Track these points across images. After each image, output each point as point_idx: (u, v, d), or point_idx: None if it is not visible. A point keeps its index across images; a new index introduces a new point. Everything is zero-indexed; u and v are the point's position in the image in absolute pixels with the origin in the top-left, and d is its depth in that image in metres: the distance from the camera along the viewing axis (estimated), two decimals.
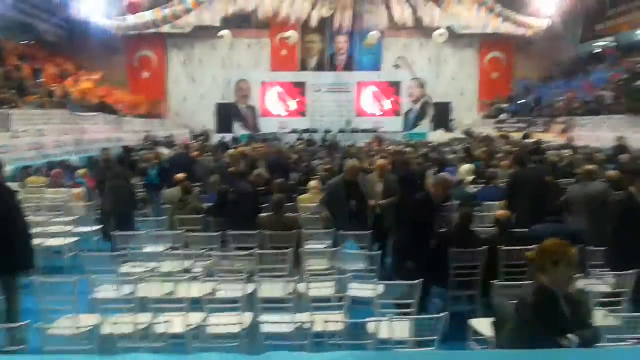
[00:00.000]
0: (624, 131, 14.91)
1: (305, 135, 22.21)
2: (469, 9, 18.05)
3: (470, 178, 8.28)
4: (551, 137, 17.68)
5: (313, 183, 7.73)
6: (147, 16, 16.77)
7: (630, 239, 4.10)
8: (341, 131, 24.11)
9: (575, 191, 5.88)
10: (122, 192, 7.30)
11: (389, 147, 13.83)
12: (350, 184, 5.99)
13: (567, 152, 10.86)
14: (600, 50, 24.99)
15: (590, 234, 5.31)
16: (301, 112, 26.92)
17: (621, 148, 11.55)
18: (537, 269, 2.77)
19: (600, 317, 3.44)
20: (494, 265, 4.85)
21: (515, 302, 3.75)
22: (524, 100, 23.96)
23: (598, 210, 5.50)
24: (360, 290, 4.71)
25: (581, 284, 4.38)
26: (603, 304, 4.24)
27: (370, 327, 3.72)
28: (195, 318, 4.19)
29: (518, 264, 4.85)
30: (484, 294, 4.76)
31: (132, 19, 17.15)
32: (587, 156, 10.13)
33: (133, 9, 14.95)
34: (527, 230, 5.25)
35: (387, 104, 27.35)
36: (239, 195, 6.18)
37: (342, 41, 26.57)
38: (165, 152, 12.72)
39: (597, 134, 16.27)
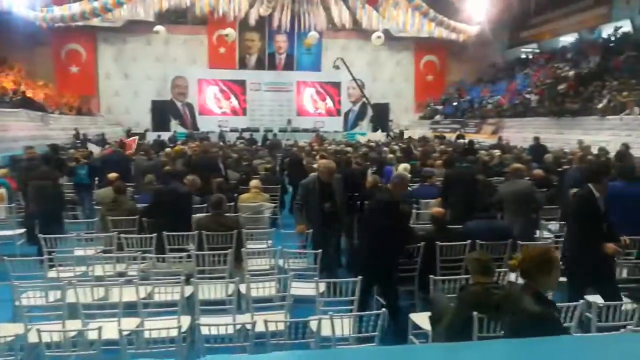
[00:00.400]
0: (547, 132, 15.95)
1: (246, 134, 21.96)
2: (405, 13, 18.53)
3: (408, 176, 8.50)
4: (482, 138, 18.55)
5: (254, 182, 7.63)
6: (74, 8, 15.85)
7: (587, 231, 4.32)
8: (282, 130, 24.04)
9: (504, 188, 6.17)
10: (48, 192, 6.85)
11: (330, 147, 13.96)
12: (324, 185, 5.76)
13: (497, 152, 11.41)
14: (525, 55, 26.59)
15: (517, 228, 5.59)
16: (241, 111, 26.59)
17: (540, 147, 12.35)
18: (523, 275, 2.84)
19: None
20: (431, 260, 4.99)
21: (453, 296, 3.89)
22: (456, 102, 25.00)
23: (525, 206, 5.81)
24: (302, 289, 4.70)
25: (512, 276, 4.62)
26: None
27: (313, 325, 3.71)
28: (130, 323, 4.01)
29: (454, 258, 5.03)
30: (422, 289, 4.89)
31: (58, 11, 16.14)
32: (515, 155, 10.70)
33: (59, 0, 14.07)
34: (460, 226, 5.45)
35: (327, 104, 27.60)
36: (175, 195, 5.96)
37: (281, 40, 26.51)
38: (95, 150, 12.13)
39: (523, 134, 17.23)
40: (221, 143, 16.57)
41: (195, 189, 6.58)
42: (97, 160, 10.41)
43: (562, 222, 6.10)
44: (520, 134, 17.51)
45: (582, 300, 3.71)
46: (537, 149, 12.08)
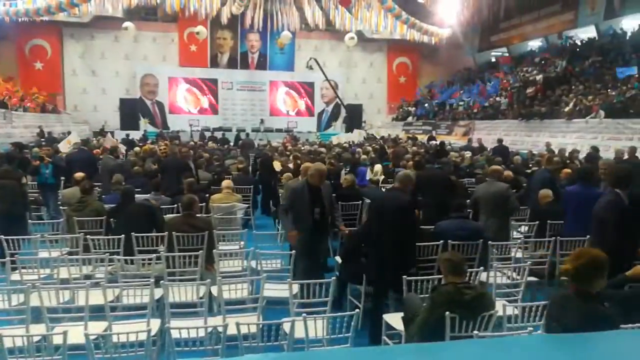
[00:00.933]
0: (516, 134, 16.32)
1: (218, 134, 21.71)
2: (377, 14, 18.66)
3: (382, 177, 8.56)
4: (454, 139, 18.84)
5: (226, 182, 7.53)
6: (39, 2, 15.36)
7: (621, 235, 4.24)
8: (255, 130, 23.89)
9: (482, 189, 6.22)
10: (11, 192, 6.60)
11: (303, 147, 13.93)
12: (313, 190, 5.41)
13: (467, 154, 11.60)
14: (495, 59, 27.15)
15: (492, 229, 5.66)
16: (212, 110, 26.29)
17: (503, 149, 12.67)
18: (576, 278, 2.77)
19: (501, 307, 3.67)
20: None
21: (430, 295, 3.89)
22: (428, 104, 25.34)
23: (501, 208, 5.86)
24: (275, 290, 4.65)
25: (483, 276, 4.68)
26: (504, 295, 4.55)
27: (286, 327, 3.67)
28: (97, 327, 3.88)
29: (426, 259, 5.05)
30: (395, 289, 4.89)
31: (22, 4, 15.62)
32: (486, 157, 10.89)
33: None
34: (432, 226, 5.48)
35: (301, 104, 27.57)
36: (143, 211, 5.78)
37: (253, 39, 26.34)
38: (62, 148, 11.79)
39: (493, 136, 17.57)
40: (192, 142, 16.34)
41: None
42: (61, 159, 10.10)
43: (531, 223, 6.21)
44: (490, 136, 17.85)
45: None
46: (501, 150, 12.38)
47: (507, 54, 26.69)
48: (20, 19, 17.41)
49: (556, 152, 11.06)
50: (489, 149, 13.92)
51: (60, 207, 7.20)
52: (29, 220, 6.51)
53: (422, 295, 4.14)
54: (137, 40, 24.76)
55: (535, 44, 24.44)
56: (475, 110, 20.91)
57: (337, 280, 4.40)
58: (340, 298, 5.17)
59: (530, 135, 16.01)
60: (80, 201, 6.12)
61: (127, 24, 19.22)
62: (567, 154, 10.99)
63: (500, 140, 13.50)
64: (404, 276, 4.27)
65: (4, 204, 6.47)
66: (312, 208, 5.32)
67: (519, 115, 17.29)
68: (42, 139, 15.95)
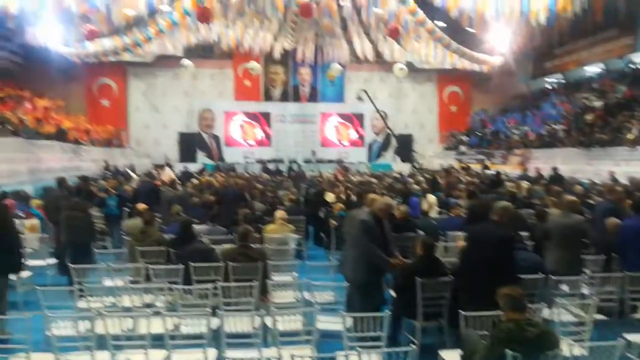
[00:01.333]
0: (576, 163, 15.67)
1: (271, 165, 22.19)
2: (427, 45, 18.71)
3: (436, 208, 8.42)
4: (509, 169, 18.31)
5: (279, 213, 7.65)
6: (106, 44, 16.50)
7: None
8: (306, 161, 24.24)
9: (556, 220, 5.86)
10: (79, 223, 7.01)
11: (354, 178, 13.97)
12: (379, 225, 5.18)
13: (524, 183, 11.24)
14: (550, 86, 26.42)
15: (563, 263, 5.37)
16: (266, 142, 26.96)
17: (558, 178, 12.20)
18: None
19: (566, 346, 3.49)
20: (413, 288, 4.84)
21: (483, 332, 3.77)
22: (481, 133, 24.86)
23: (574, 241, 5.55)
24: (328, 323, 4.64)
25: (545, 313, 4.47)
26: (568, 333, 4.32)
27: None
28: (157, 355, 4.01)
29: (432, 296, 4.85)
30: (452, 325, 4.75)
31: (91, 46, 16.82)
32: (545, 187, 10.51)
33: (92, 36, 14.68)
34: None
35: (351, 135, 27.79)
36: (198, 252, 5.93)
37: (305, 73, 27.00)
38: (135, 178, 12.40)
39: (551, 165, 16.97)
40: (246, 174, 16.78)
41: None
42: (126, 191, 10.64)
43: (597, 257, 5.89)
44: (548, 164, 17.23)
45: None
46: (556, 180, 11.91)
47: (562, 80, 25.93)
48: (89, 60, 18.75)
49: (620, 180, 10.52)
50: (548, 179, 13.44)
51: (124, 237, 7.54)
52: (95, 250, 6.85)
53: (480, 332, 4.01)
54: (196, 77, 26.00)
55: (592, 69, 23.63)
56: (531, 139, 20.30)
57: (391, 314, 4.33)
58: (395, 333, 5.07)
59: (591, 164, 15.30)
60: (142, 231, 6.40)
61: (186, 62, 20.26)
62: (630, 183, 10.42)
63: (554, 169, 13.02)
64: (460, 311, 4.15)
65: (72, 235, 6.86)
66: (379, 241, 5.10)
67: (578, 143, 16.63)
68: (108, 172, 16.84)
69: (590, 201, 8.92)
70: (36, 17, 13.22)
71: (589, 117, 17.65)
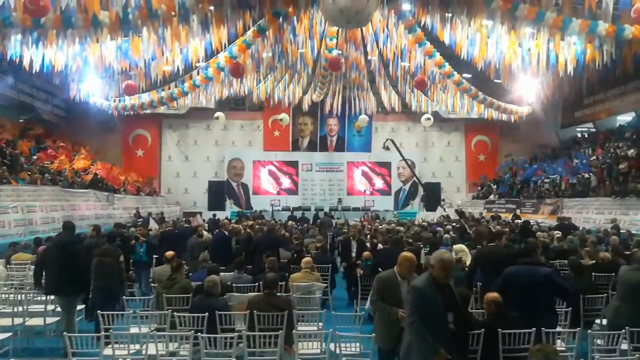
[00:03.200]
0: (610, 212, 15.19)
1: (297, 213, 22.27)
2: (453, 95, 18.88)
3: (468, 257, 8.21)
4: (541, 218, 17.88)
5: (306, 260, 7.62)
6: (143, 97, 17.28)
7: None
8: (332, 209, 24.26)
9: (626, 274, 5.49)
10: (110, 269, 7.10)
11: (381, 226, 13.86)
12: (442, 289, 4.05)
13: (557, 233, 10.93)
14: (581, 135, 26.09)
15: (626, 315, 5.10)
16: (293, 190, 27.22)
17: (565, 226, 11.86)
18: None
19: None
20: (492, 349, 4.68)
21: None
22: (511, 182, 24.50)
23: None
24: None
25: None
26: None
27: None
28: None
29: (516, 348, 4.69)
30: None
31: (128, 100, 17.65)
32: (579, 237, 10.20)
33: (130, 91, 15.46)
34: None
35: (378, 184, 27.83)
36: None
37: (332, 123, 27.50)
38: (155, 226, 12.61)
39: (584, 215, 16.52)
40: (272, 221, 16.85)
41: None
42: (154, 237, 10.81)
43: None
44: (581, 214, 16.77)
45: None
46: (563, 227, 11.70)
47: (593, 130, 25.59)
48: (126, 113, 19.61)
49: None
50: (583, 228, 13.04)
51: (151, 284, 7.60)
52: (124, 297, 6.91)
53: None
54: (227, 128, 26.85)
55: (624, 118, 23.29)
56: (562, 188, 19.87)
57: None
58: None
59: (627, 214, 14.81)
60: (170, 278, 6.45)
61: (218, 114, 20.96)
62: None
63: (613, 220, 12.89)
64: None
65: (103, 280, 6.94)
66: (445, 315, 3.99)
67: (612, 193, 16.19)
68: (139, 220, 17.19)
69: (627, 252, 8.57)
70: (79, 73, 14.03)
71: (622, 165, 17.24)
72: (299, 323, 5.86)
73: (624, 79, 19.32)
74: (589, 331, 4.89)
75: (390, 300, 4.71)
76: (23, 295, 6.71)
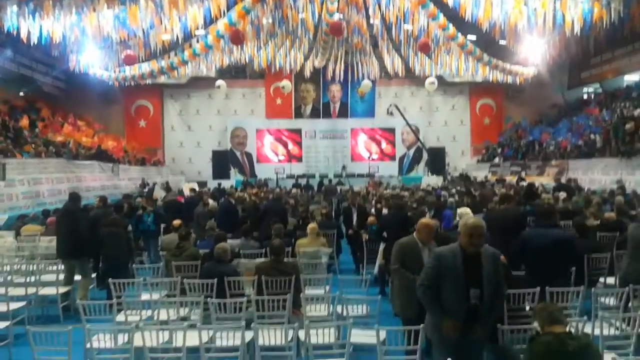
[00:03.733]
0: (616, 173, 15.14)
1: (302, 181, 22.34)
2: (458, 58, 18.54)
3: None
4: (546, 180, 17.85)
5: (311, 226, 7.69)
6: (144, 67, 17.08)
7: None
8: (337, 176, 24.29)
9: (633, 231, 5.39)
10: (118, 239, 7.22)
11: (385, 191, 13.90)
12: (471, 260, 3.63)
13: (562, 195, 10.93)
14: (587, 96, 25.74)
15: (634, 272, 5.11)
16: (297, 158, 27.20)
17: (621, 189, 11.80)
18: None
19: None
20: None
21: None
22: (516, 144, 24.36)
23: None
24: (362, 336, 4.60)
25: (587, 328, 4.32)
26: (612, 347, 4.15)
27: None
28: None
29: (521, 307, 4.76)
30: (491, 339, 4.64)
31: (129, 70, 17.47)
32: (584, 198, 10.20)
33: (130, 61, 15.27)
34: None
35: (382, 149, 27.74)
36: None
37: (335, 90, 27.20)
38: (161, 194, 12.72)
39: (590, 176, 16.48)
40: (278, 189, 16.93)
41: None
42: (160, 207, 10.90)
43: None
44: (586, 175, 16.72)
45: None
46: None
47: (599, 90, 25.22)
48: (127, 83, 19.47)
49: None
50: (586, 190, 13.05)
51: (160, 252, 7.72)
52: (133, 265, 7.03)
53: (518, 346, 3.91)
54: (228, 96, 26.63)
55: (631, 78, 22.89)
56: (567, 149, 19.75)
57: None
58: (429, 346, 4.99)
59: (633, 174, 14.75)
60: (178, 246, 6.54)
61: (219, 82, 20.77)
62: None
63: (619, 181, 12.84)
64: (498, 325, 4.06)
65: (112, 251, 7.08)
66: (467, 288, 3.60)
67: (618, 153, 16.08)
68: (144, 190, 17.30)
69: (633, 212, 8.59)
70: (78, 44, 13.86)
71: (628, 126, 17.05)
72: (306, 287, 5.96)
73: (632, 37, 18.90)
74: (593, 289, 4.93)
75: (411, 267, 4.57)
76: (35, 266, 6.83)
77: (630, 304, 4.84)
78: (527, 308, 4.78)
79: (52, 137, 17.14)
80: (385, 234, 7.50)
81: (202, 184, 20.90)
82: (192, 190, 13.89)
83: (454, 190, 12.99)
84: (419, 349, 3.99)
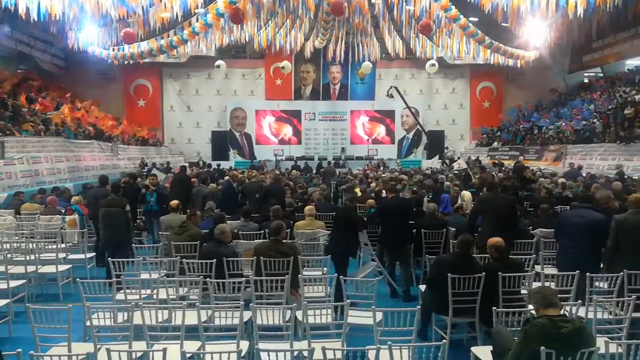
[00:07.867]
0: (615, 158, 15.16)
1: (301, 162, 22.33)
2: (459, 40, 18.36)
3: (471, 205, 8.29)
4: (544, 165, 17.88)
5: (308, 208, 7.71)
6: (142, 46, 16.90)
7: None
8: (336, 158, 24.28)
9: (624, 219, 5.36)
10: (117, 219, 7.21)
11: (384, 174, 13.91)
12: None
13: (561, 179, 10.96)
14: (588, 80, 25.60)
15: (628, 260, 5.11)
16: (296, 140, 27.13)
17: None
18: None
19: (602, 344, 3.42)
20: (492, 292, 4.80)
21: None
22: (515, 129, 24.32)
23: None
24: (359, 317, 4.66)
25: (581, 311, 4.38)
26: (605, 331, 4.22)
27: (370, 354, 3.67)
28: (192, 346, 4.11)
29: (516, 290, 4.82)
30: (484, 321, 4.71)
31: (127, 49, 17.28)
32: (583, 182, 10.23)
33: (129, 39, 15.10)
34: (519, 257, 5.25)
35: (381, 132, 27.67)
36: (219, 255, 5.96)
37: (335, 71, 27.02)
38: (161, 176, 12.70)
39: (588, 161, 16.51)
40: (277, 171, 16.93)
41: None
42: (165, 188, 10.90)
43: None
44: (585, 160, 16.74)
45: None
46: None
47: (600, 74, 25.08)
48: (126, 62, 19.27)
49: None
50: (585, 175, 13.06)
51: (162, 232, 7.73)
52: (133, 245, 7.06)
53: (512, 329, 3.97)
54: (228, 76, 26.44)
55: (633, 62, 22.76)
56: (567, 134, 19.73)
57: (421, 309, 4.32)
58: (424, 328, 5.06)
59: (632, 160, 14.77)
60: (182, 225, 6.55)
61: (219, 62, 20.59)
62: None
63: (618, 166, 12.87)
64: (494, 308, 4.12)
65: (111, 230, 7.09)
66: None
67: (617, 138, 16.07)
68: (144, 170, 17.29)
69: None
70: (77, 22, 13.68)
71: (628, 111, 17.00)
72: (304, 268, 6.00)
73: (635, 21, 18.74)
74: (587, 274, 4.97)
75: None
76: (34, 244, 6.86)
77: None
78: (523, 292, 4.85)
79: (52, 116, 17.04)
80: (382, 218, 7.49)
81: (193, 165, 20.69)
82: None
83: (451, 175, 13.00)
84: (414, 330, 4.04)
